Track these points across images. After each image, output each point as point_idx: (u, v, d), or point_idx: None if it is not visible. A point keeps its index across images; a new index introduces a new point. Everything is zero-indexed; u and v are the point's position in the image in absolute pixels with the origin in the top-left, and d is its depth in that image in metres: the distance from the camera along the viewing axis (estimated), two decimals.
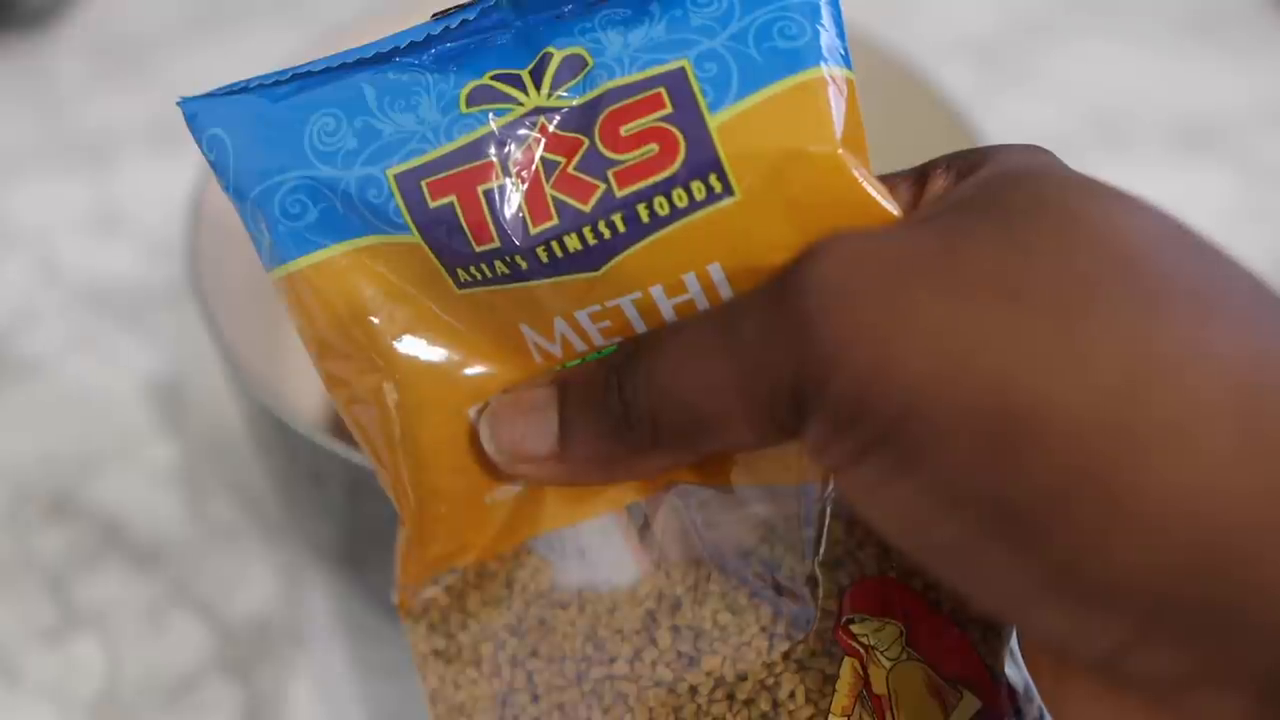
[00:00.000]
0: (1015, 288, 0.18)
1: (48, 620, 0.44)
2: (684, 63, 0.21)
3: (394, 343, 0.23)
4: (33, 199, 0.60)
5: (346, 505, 0.38)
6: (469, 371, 0.23)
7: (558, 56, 0.22)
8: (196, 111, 0.23)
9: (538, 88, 0.22)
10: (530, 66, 0.22)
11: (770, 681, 0.22)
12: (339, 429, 0.45)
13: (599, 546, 0.24)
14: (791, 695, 0.22)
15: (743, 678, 0.23)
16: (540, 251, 0.21)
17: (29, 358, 0.53)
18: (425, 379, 0.23)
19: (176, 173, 0.52)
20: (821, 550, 0.23)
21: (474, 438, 0.23)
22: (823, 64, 0.21)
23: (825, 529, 0.23)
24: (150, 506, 0.48)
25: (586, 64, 0.21)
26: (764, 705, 0.22)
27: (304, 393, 0.46)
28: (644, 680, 0.23)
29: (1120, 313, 0.17)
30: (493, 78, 0.22)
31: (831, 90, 0.21)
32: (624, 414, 0.21)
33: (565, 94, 0.22)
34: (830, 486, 0.23)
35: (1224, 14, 0.71)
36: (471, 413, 0.23)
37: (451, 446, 0.23)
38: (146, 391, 0.52)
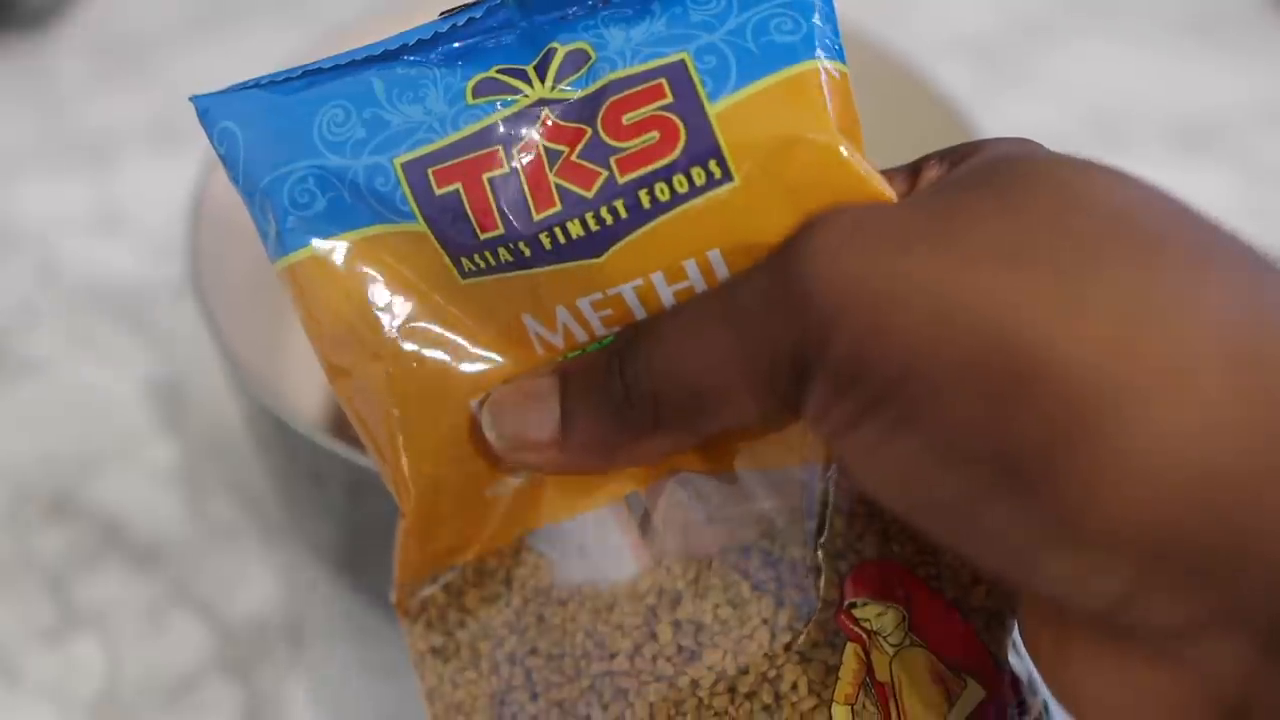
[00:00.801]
0: (1012, 248, 0.18)
1: (48, 620, 0.44)
2: (684, 55, 0.21)
3: (397, 333, 0.23)
4: (33, 199, 0.60)
5: (346, 505, 0.38)
6: (471, 363, 0.23)
7: (561, 51, 0.22)
8: (209, 106, 0.23)
9: (542, 80, 0.22)
10: (535, 61, 0.22)
11: (772, 674, 0.22)
12: (339, 429, 0.45)
13: (599, 542, 0.24)
14: (794, 687, 0.22)
15: (744, 671, 0.23)
16: (544, 238, 0.22)
17: (29, 358, 0.53)
18: (427, 370, 0.23)
19: (177, 172, 0.52)
20: (823, 538, 0.23)
21: (475, 429, 0.23)
22: (817, 57, 0.21)
23: (828, 517, 0.23)
24: (150, 506, 0.48)
25: (589, 58, 0.22)
26: (766, 698, 0.22)
27: (304, 392, 0.46)
28: (644, 675, 0.23)
29: (1116, 267, 0.17)
30: (498, 71, 0.22)
31: (825, 81, 0.21)
32: (625, 396, 0.22)
33: (568, 87, 0.22)
34: (832, 469, 0.23)
35: (1224, 14, 0.71)
36: (473, 404, 0.23)
37: (453, 438, 0.23)
38: (146, 391, 0.52)
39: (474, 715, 0.25)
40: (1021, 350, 0.17)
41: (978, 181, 0.20)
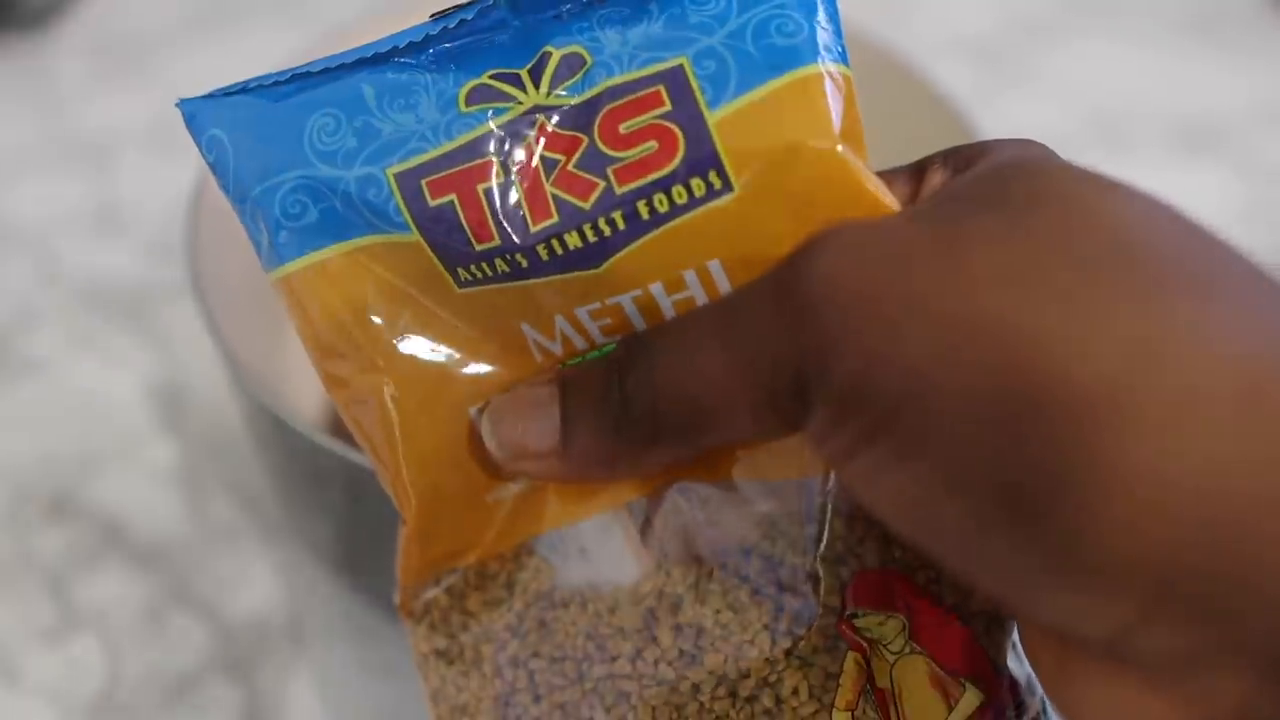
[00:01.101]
0: (1017, 273, 0.18)
1: (48, 620, 0.44)
2: (682, 60, 0.21)
3: (394, 342, 0.23)
4: (33, 199, 0.60)
5: (346, 505, 0.38)
6: (469, 371, 0.23)
7: (556, 55, 0.22)
8: (196, 112, 0.23)
9: (536, 86, 0.22)
10: (529, 66, 0.22)
11: (773, 678, 0.22)
12: (339, 429, 0.45)
13: (600, 545, 0.24)
14: (794, 692, 0.22)
15: (745, 675, 0.23)
16: (540, 249, 0.21)
17: (29, 358, 0.53)
18: (425, 378, 0.23)
19: (176, 172, 0.52)
20: (823, 546, 0.23)
21: (474, 436, 0.23)
22: (820, 60, 0.21)
23: (827, 525, 0.23)
24: (150, 506, 0.48)
25: (585, 62, 0.21)
26: (767, 702, 0.22)
27: (304, 392, 0.46)
28: (646, 679, 0.23)
29: (1122, 296, 0.17)
30: (491, 77, 0.22)
31: (829, 86, 0.21)
32: (625, 409, 0.21)
33: (564, 92, 0.22)
34: (831, 480, 0.23)
35: (1224, 14, 0.71)
36: (472, 412, 0.23)
37: (452, 446, 0.23)
38: (146, 391, 0.52)
39: (478, 717, 0.25)
40: (1025, 378, 0.17)
41: (983, 195, 0.19)
